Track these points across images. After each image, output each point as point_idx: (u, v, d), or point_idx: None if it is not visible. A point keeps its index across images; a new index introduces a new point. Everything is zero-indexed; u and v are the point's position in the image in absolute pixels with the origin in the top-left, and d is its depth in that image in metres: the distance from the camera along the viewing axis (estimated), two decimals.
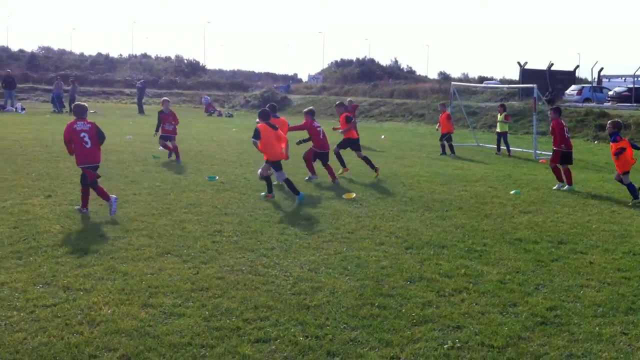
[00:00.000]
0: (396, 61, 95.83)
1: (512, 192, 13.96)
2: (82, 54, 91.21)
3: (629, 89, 42.28)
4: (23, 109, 37.96)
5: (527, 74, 42.76)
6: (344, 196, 12.72)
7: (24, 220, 9.75)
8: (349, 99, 32.40)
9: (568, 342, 5.88)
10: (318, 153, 15.13)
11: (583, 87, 45.06)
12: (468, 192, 13.89)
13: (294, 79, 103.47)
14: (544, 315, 6.53)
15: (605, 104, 40.82)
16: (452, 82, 33.02)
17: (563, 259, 8.68)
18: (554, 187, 14.87)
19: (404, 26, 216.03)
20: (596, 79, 48.95)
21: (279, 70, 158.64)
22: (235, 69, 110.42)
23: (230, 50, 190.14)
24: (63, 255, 8.01)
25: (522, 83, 39.87)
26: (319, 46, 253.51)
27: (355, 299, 6.82)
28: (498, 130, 23.55)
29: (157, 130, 18.24)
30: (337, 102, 17.50)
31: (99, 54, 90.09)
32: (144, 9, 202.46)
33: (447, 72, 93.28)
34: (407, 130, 34.44)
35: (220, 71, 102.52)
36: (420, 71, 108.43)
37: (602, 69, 48.94)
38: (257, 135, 12.31)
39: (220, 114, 44.67)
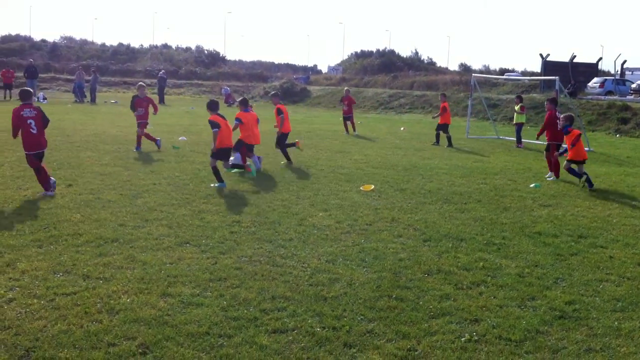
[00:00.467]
0: (417, 52, 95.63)
1: (532, 185, 13.87)
2: (103, 44, 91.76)
3: None
4: (45, 98, 38.30)
5: (549, 66, 42.39)
6: (361, 188, 12.71)
7: (45, 209, 9.85)
8: (345, 87, 32.29)
9: (586, 337, 5.84)
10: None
11: (606, 79, 44.56)
12: (487, 184, 13.82)
13: (314, 70, 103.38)
14: (563, 309, 6.50)
15: (628, 97, 40.36)
16: (473, 74, 32.84)
17: (583, 253, 8.62)
18: (550, 178, 15.04)
19: (425, 17, 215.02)
20: (619, 72, 48.43)
21: (299, 62, 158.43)
22: (255, 60, 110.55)
23: (250, 41, 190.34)
24: (83, 244, 8.08)
25: (544, 75, 39.54)
26: (339, 37, 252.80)
27: (372, 290, 6.82)
28: (515, 121, 23.42)
29: (133, 110, 17.77)
30: (272, 92, 16.79)
31: (120, 44, 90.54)
32: None
33: (468, 64, 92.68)
34: (427, 122, 34.26)
35: (240, 62, 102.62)
36: (440, 63, 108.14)
37: (625, 61, 48.48)
38: (215, 125, 12.60)
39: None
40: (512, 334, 5.80)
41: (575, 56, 44.45)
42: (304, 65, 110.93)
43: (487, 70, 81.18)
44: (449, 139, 22.14)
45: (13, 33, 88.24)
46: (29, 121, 10.90)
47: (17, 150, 15.76)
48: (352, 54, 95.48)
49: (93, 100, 38.67)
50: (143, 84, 19.21)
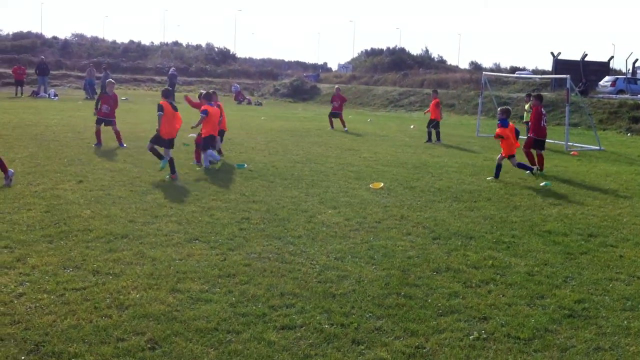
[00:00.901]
0: (427, 50, 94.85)
1: (542, 184, 13.82)
2: (114, 42, 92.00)
3: None
4: (56, 95, 38.45)
5: (560, 65, 42.20)
6: (371, 185, 12.70)
7: (56, 204, 9.90)
8: (336, 86, 32.44)
9: (595, 335, 5.82)
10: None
11: (617, 78, 44.30)
12: (497, 183, 13.79)
13: (324, 67, 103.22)
14: (572, 307, 6.48)
15: (639, 95, 40.13)
16: (484, 72, 32.72)
17: (592, 251, 8.59)
18: (527, 173, 15.04)
19: (436, 15, 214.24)
20: (630, 71, 48.14)
21: (309, 59, 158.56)
22: (265, 58, 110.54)
23: (261, 38, 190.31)
24: (93, 239, 8.12)
25: (555, 74, 39.37)
26: (349, 35, 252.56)
27: (381, 288, 6.82)
28: (524, 120, 23.37)
29: (96, 109, 17.72)
30: (203, 93, 15.83)
31: (131, 42, 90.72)
32: None
33: (479, 62, 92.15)
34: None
35: (250, 59, 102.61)
36: (451, 61, 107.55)
37: (637, 60, 48.08)
38: (160, 108, 12.97)
39: (249, 102, 44.83)
40: (520, 333, 5.79)
41: (586, 55, 44.24)
42: (314, 63, 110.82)
43: (497, 68, 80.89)
44: (437, 134, 22.31)
45: (25, 30, 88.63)
46: None
47: (29, 147, 15.86)
48: (362, 52, 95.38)
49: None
50: (113, 81, 19.13)
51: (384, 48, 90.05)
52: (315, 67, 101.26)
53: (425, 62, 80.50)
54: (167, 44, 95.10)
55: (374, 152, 18.38)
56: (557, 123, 31.62)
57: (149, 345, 5.21)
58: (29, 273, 6.78)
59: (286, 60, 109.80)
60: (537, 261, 8.06)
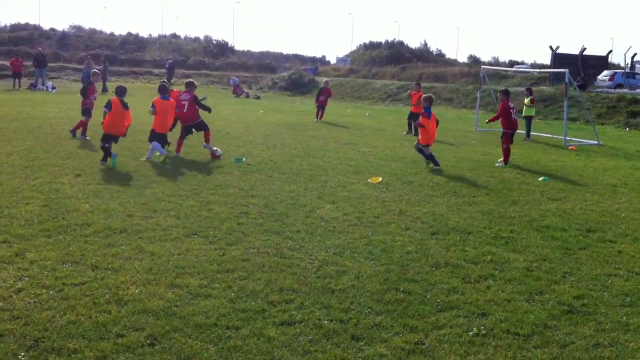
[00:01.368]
0: (426, 44, 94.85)
1: (540, 178, 13.83)
2: (112, 34, 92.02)
3: None
4: (54, 87, 38.36)
5: (559, 59, 42.18)
6: (369, 180, 12.70)
7: (54, 199, 9.88)
8: (325, 79, 32.81)
9: (595, 332, 5.83)
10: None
11: (616, 72, 44.34)
12: (496, 178, 13.79)
13: (322, 61, 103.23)
14: (571, 303, 6.48)
15: (637, 90, 40.13)
16: (482, 66, 32.71)
17: (591, 247, 8.60)
18: (498, 165, 15.70)
19: (434, 8, 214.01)
20: (629, 65, 48.12)
21: (307, 52, 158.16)
22: (264, 50, 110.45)
23: (259, 31, 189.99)
24: (92, 234, 8.11)
25: (554, 68, 39.36)
26: (347, 28, 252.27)
27: (380, 283, 6.82)
28: (524, 114, 23.36)
29: (85, 97, 17.71)
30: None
31: (129, 34, 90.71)
32: None
33: (477, 56, 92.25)
34: (435, 114, 34.22)
35: (249, 52, 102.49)
36: (449, 54, 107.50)
37: (635, 54, 48.03)
38: (108, 105, 13.31)
39: (247, 96, 44.77)
40: (520, 328, 5.79)
41: (585, 49, 44.20)
42: (312, 56, 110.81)
43: (496, 62, 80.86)
44: (410, 125, 22.68)
45: (22, 22, 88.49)
46: None
47: (27, 140, 15.82)
48: (360, 45, 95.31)
49: (105, 89, 38.71)
50: (97, 71, 19.08)
51: (383, 41, 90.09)
52: (313, 60, 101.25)
53: (423, 55, 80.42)
54: (165, 36, 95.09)
55: (372, 146, 18.37)
56: (555, 117, 31.65)
57: (148, 341, 5.20)
58: (28, 268, 6.76)
59: (284, 53, 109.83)
60: (535, 256, 8.07)
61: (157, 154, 14.10)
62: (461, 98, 40.80)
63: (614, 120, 29.93)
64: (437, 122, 15.32)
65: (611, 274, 7.52)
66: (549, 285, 7.01)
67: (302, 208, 10.08)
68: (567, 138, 22.18)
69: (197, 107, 15.33)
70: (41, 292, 6.13)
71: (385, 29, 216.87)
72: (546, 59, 63.40)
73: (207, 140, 15.33)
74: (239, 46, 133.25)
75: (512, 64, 70.97)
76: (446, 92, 41.95)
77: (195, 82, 16.01)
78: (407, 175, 13.60)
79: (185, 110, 15.13)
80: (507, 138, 16.00)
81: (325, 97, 27.18)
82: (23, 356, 4.87)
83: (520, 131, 24.03)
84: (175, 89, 16.77)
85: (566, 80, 22.76)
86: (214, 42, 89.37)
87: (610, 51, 50.02)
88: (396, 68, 60.94)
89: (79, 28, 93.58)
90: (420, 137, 15.03)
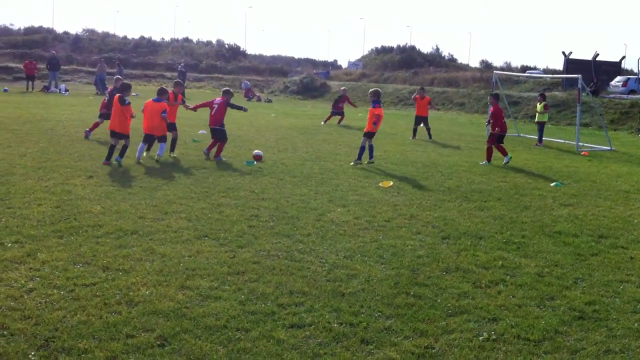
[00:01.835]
0: (437, 49, 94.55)
1: (552, 184, 13.76)
2: (125, 37, 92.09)
3: None
4: (67, 90, 38.57)
5: (571, 64, 42.05)
6: (380, 184, 12.68)
7: (66, 200, 9.93)
8: (342, 87, 33.15)
9: (606, 338, 5.79)
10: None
11: (629, 78, 44.08)
12: (508, 183, 13.74)
13: (334, 65, 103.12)
14: (582, 309, 6.45)
15: None
16: (494, 71, 32.60)
17: (603, 253, 8.54)
18: (482, 164, 16.57)
19: (447, 13, 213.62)
20: None
21: (319, 57, 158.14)
22: (275, 55, 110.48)
23: (271, 35, 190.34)
24: (103, 235, 8.14)
25: (566, 73, 39.21)
26: (359, 32, 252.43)
27: (390, 287, 6.81)
28: (537, 120, 23.29)
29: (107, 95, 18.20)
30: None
31: (142, 37, 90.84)
32: None
33: (489, 61, 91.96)
34: (447, 119, 34.14)
35: (261, 56, 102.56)
36: (461, 59, 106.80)
37: None
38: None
39: (259, 99, 44.82)
40: (530, 334, 5.76)
41: (598, 54, 44.07)
42: (324, 60, 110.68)
43: (508, 67, 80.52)
44: (414, 130, 23.06)
45: (36, 25, 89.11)
46: None
47: (40, 142, 15.92)
48: (372, 49, 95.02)
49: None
50: (120, 77, 19.37)
51: (395, 46, 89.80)
52: (325, 64, 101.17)
53: (435, 60, 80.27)
54: (177, 40, 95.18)
55: (383, 151, 18.34)
56: (568, 123, 31.51)
57: (158, 342, 5.21)
58: (39, 268, 6.80)
59: (296, 57, 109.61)
60: (547, 262, 8.03)
61: (170, 152, 14.53)
62: (473, 103, 40.67)
63: (627, 126, 29.75)
64: (380, 117, 15.60)
65: (623, 280, 7.48)
66: (560, 291, 6.97)
67: (312, 211, 10.08)
68: (580, 144, 22.06)
69: (224, 112, 15.48)
70: (52, 292, 6.16)
71: (397, 33, 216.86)
72: (559, 65, 63.11)
73: (210, 147, 15.25)
74: (251, 50, 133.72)
75: (524, 69, 70.69)
76: (458, 97, 41.85)
77: (231, 90, 16.36)
78: (418, 179, 13.57)
79: (213, 113, 15.42)
80: (493, 139, 16.84)
81: (343, 105, 27.68)
82: (33, 355, 4.90)
83: (532, 136, 23.96)
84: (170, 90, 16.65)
85: (579, 85, 22.64)
86: (226, 46, 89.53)
87: (624, 57, 49.80)
88: (408, 73, 60.83)
89: (92, 32, 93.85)
90: (367, 128, 15.49)
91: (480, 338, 5.64)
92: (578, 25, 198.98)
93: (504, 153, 16.80)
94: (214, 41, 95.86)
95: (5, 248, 7.42)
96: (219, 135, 15.29)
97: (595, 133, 27.64)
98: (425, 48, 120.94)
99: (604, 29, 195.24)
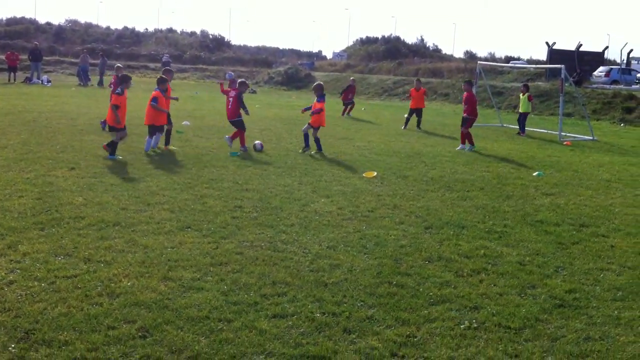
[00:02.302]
0: (422, 39, 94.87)
1: (534, 173, 13.85)
2: (108, 28, 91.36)
3: None
4: (49, 81, 38.24)
5: (555, 55, 42.23)
6: (364, 174, 12.70)
7: (48, 191, 9.86)
8: (351, 77, 33.33)
9: (586, 325, 5.85)
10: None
11: (611, 68, 44.44)
12: (490, 172, 13.80)
13: (319, 56, 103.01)
14: (563, 297, 6.50)
15: (633, 86, 40.20)
16: (478, 62, 32.69)
17: (584, 242, 8.61)
18: (458, 148, 17.62)
19: (431, 3, 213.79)
20: (625, 61, 48.19)
21: (304, 47, 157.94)
22: (260, 45, 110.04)
23: (255, 26, 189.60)
24: (85, 227, 8.09)
25: (550, 63, 39.37)
26: (344, 23, 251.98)
27: (373, 277, 6.83)
28: (521, 110, 23.40)
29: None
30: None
31: (125, 28, 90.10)
32: None
33: (474, 51, 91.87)
34: (431, 109, 34.19)
35: (245, 47, 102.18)
36: (446, 50, 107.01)
37: (631, 50, 48.26)
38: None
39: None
40: (511, 322, 5.80)
41: (581, 45, 44.29)
42: (308, 51, 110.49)
43: (492, 58, 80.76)
44: (407, 120, 23.40)
45: (18, 15, 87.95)
46: None
47: (21, 133, 15.78)
48: (357, 40, 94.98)
49: (101, 83, 38.63)
50: (120, 65, 19.56)
51: (379, 36, 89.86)
52: (310, 55, 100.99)
53: (420, 51, 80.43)
54: (161, 31, 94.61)
55: (367, 141, 18.37)
56: (550, 113, 31.66)
57: (139, 334, 5.20)
58: (20, 260, 6.75)
59: (281, 48, 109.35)
60: (528, 251, 8.08)
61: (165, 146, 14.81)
62: (457, 93, 40.69)
63: (609, 116, 29.95)
64: (323, 111, 15.97)
65: (603, 268, 7.54)
66: (541, 280, 7.02)
67: (296, 202, 10.08)
68: (562, 133, 22.19)
69: (238, 104, 15.73)
70: (33, 284, 6.13)
71: (382, 24, 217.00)
72: (542, 55, 63.37)
73: (233, 136, 15.63)
74: (235, 41, 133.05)
75: (508, 59, 70.99)
76: (442, 88, 41.91)
77: (247, 83, 16.76)
78: (401, 169, 13.60)
79: (229, 107, 15.76)
80: (470, 124, 17.77)
81: (352, 94, 28.14)
82: (14, 348, 4.87)
83: (516, 126, 24.06)
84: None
85: (562, 76, 22.77)
86: (211, 36, 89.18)
87: (607, 47, 50.08)
88: (392, 63, 60.89)
89: (75, 22, 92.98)
90: (314, 122, 15.77)
91: (462, 326, 5.67)
92: (562, 16, 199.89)
93: (462, 141, 17.83)
94: (198, 32, 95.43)
95: None
96: (237, 125, 15.70)
97: (578, 123, 27.80)
98: (410, 39, 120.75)
99: (588, 19, 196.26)
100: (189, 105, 27.83)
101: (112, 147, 13.18)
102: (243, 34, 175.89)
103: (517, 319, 5.88)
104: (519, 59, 71.21)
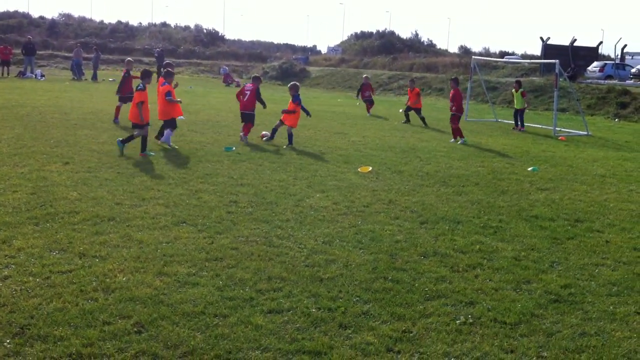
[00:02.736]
0: (417, 34, 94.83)
1: (529, 168, 13.87)
2: (102, 22, 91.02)
3: None
4: (42, 75, 38.09)
5: (549, 50, 42.25)
6: (359, 169, 12.69)
7: (42, 186, 9.82)
8: (365, 75, 33.11)
9: (581, 320, 5.86)
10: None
11: (606, 63, 44.45)
12: (485, 167, 13.81)
13: (313, 50, 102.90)
14: (558, 292, 6.51)
15: (627, 81, 40.27)
16: (473, 57, 32.68)
17: (579, 237, 8.63)
18: (451, 141, 18.10)
19: None
20: (619, 56, 48.26)
21: (298, 42, 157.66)
22: (254, 40, 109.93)
23: (250, 20, 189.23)
24: (79, 222, 8.07)
25: (544, 59, 39.39)
26: (339, 18, 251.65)
27: (368, 272, 6.83)
28: (516, 107, 23.44)
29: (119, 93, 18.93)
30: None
31: (119, 22, 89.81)
32: None
33: (468, 46, 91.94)
34: (426, 104, 34.14)
35: (239, 41, 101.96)
36: (440, 45, 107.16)
37: (625, 45, 48.33)
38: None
39: (238, 85, 44.57)
40: (507, 317, 5.81)
41: (575, 40, 44.28)
42: (303, 45, 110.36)
43: (487, 52, 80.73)
44: (407, 115, 23.79)
45: (11, 9, 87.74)
46: None
47: (15, 128, 15.72)
48: (351, 34, 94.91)
49: (95, 77, 38.49)
50: (131, 59, 19.95)
51: (374, 31, 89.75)
52: (304, 49, 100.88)
53: (414, 45, 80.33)
54: (155, 25, 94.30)
55: (362, 136, 18.36)
56: (545, 108, 31.70)
57: (135, 329, 5.19)
58: (15, 255, 6.73)
59: (275, 42, 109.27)
60: (523, 246, 8.09)
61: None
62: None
63: (604, 111, 30.00)
64: (297, 111, 16.44)
65: (598, 263, 7.56)
66: (536, 275, 7.03)
67: (291, 197, 10.07)
68: (557, 128, 22.23)
69: (254, 98, 16.44)
70: (28, 279, 6.11)
71: (377, 19, 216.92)
72: (537, 50, 63.37)
73: (245, 132, 16.07)
74: (230, 35, 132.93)
75: (502, 54, 70.90)
76: (437, 82, 41.90)
77: (261, 78, 17.19)
78: (397, 164, 13.60)
79: (245, 99, 16.39)
80: (457, 119, 18.26)
81: (369, 92, 27.30)
82: (9, 343, 4.85)
83: (510, 121, 24.07)
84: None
85: (556, 71, 22.79)
86: (205, 30, 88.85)
87: (601, 42, 50.11)
88: (387, 58, 60.80)
89: (68, 16, 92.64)
90: (288, 120, 16.26)
91: (457, 322, 5.67)
92: (556, 11, 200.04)
93: (454, 136, 18.30)
94: (192, 26, 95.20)
95: None
96: (248, 118, 16.32)
97: (572, 118, 27.86)
98: (405, 33, 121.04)
99: (582, 14, 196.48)
100: (183, 100, 27.55)
101: (143, 143, 13.17)
102: (237, 28, 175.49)
103: (512, 314, 5.89)
104: (513, 54, 71.16)
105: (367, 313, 5.78)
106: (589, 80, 38.45)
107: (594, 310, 6.10)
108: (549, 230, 8.87)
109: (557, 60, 23.15)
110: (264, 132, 16.73)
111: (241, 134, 16.00)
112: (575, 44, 44.18)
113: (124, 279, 6.25)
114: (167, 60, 19.29)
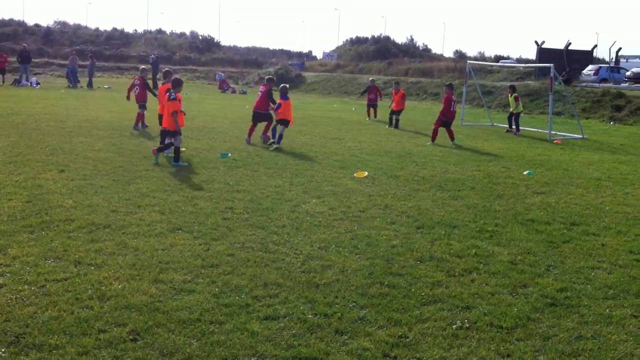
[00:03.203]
0: (412, 39, 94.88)
1: (525, 172, 13.88)
2: (97, 29, 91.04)
3: None
4: (38, 83, 38.01)
5: (544, 53, 42.30)
6: (355, 175, 12.69)
7: (37, 194, 9.80)
8: (370, 78, 33.10)
9: (577, 324, 5.86)
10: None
11: (600, 67, 44.56)
12: (481, 172, 13.83)
13: (309, 56, 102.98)
14: (554, 296, 6.51)
15: (622, 84, 40.36)
16: (468, 61, 32.74)
17: (575, 240, 8.64)
18: (428, 144, 18.57)
19: (421, 3, 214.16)
20: (614, 59, 48.39)
21: (294, 48, 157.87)
22: (250, 46, 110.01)
23: (245, 26, 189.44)
24: (75, 230, 8.05)
25: (539, 62, 39.46)
26: (334, 23, 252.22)
27: (364, 277, 6.82)
28: (513, 111, 23.48)
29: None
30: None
31: (114, 29, 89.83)
32: None
33: (463, 51, 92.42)
34: (421, 109, 34.24)
35: (235, 48, 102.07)
36: (436, 49, 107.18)
37: (620, 49, 48.50)
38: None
39: (234, 91, 44.61)
40: (503, 321, 5.81)
41: (570, 43, 44.38)
42: (298, 51, 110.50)
43: (482, 57, 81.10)
44: (397, 121, 23.64)
45: (7, 18, 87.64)
46: None
47: (10, 136, 15.69)
48: (347, 40, 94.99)
49: (90, 85, 38.46)
50: (145, 67, 20.30)
51: (369, 36, 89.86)
52: (300, 55, 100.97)
53: (410, 50, 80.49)
54: (150, 32, 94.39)
55: (358, 141, 18.37)
56: (540, 112, 31.74)
57: (130, 337, 5.17)
58: (10, 264, 6.71)
59: (271, 48, 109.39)
60: (520, 250, 8.10)
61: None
62: None
63: (599, 114, 30.05)
64: (288, 108, 17.02)
65: (594, 267, 7.56)
66: (532, 279, 7.03)
67: (287, 203, 10.06)
68: (552, 132, 22.26)
69: (267, 99, 17.23)
70: (23, 288, 6.09)
71: (372, 24, 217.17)
72: (531, 54, 63.70)
73: (266, 130, 17.38)
74: (225, 41, 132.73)
75: (497, 58, 71.26)
76: (432, 87, 41.96)
77: (274, 79, 18.28)
78: (392, 169, 13.61)
79: (258, 100, 17.44)
80: (439, 122, 18.83)
81: (375, 95, 27.24)
82: (4, 352, 4.83)
83: (506, 125, 24.12)
84: (161, 85, 16.90)
85: (551, 74, 22.83)
86: (200, 37, 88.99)
87: (595, 46, 50.36)
88: (382, 63, 60.83)
89: (63, 24, 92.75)
90: (279, 115, 16.78)
91: (454, 326, 5.67)
92: (551, 15, 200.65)
93: (452, 137, 18.75)
94: (187, 33, 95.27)
95: None
96: (262, 117, 17.26)
97: (568, 121, 27.90)
98: (400, 38, 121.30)
99: (576, 18, 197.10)
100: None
101: (176, 153, 13.15)
102: (233, 34, 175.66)
103: (508, 318, 5.89)
104: (508, 58, 71.48)
105: (363, 318, 5.77)
106: (584, 84, 38.52)
107: (590, 314, 6.11)
108: (544, 234, 8.87)
109: (552, 64, 23.20)
110: (267, 134, 17.34)
111: (261, 135, 17.13)
112: (570, 48, 44.29)
113: (119, 286, 6.23)
114: (166, 68, 19.15)
